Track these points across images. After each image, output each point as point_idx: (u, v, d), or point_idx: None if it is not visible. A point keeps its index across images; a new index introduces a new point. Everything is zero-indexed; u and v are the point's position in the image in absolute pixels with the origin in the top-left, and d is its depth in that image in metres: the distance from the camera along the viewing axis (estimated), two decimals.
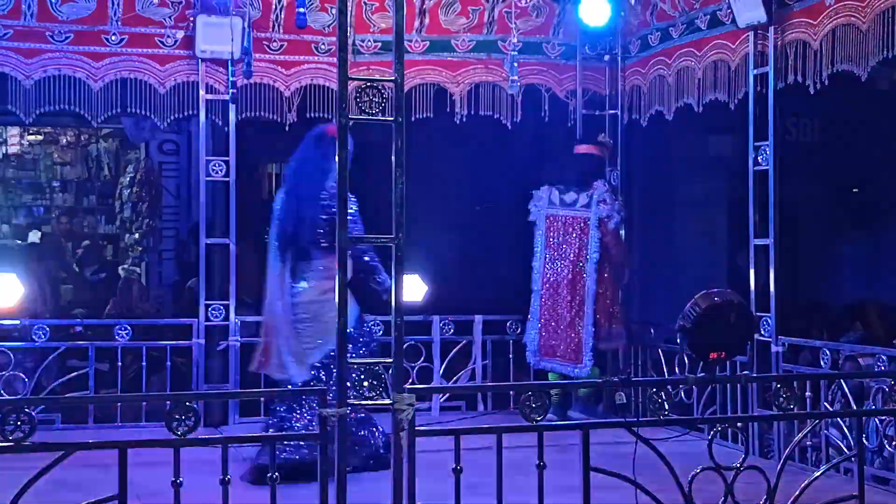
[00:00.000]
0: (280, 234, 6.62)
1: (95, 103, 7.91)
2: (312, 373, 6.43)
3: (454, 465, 4.35)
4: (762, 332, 6.97)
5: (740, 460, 4.67)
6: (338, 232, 4.27)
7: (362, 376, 4.28)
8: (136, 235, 13.02)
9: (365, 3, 8.26)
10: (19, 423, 3.88)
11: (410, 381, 8.02)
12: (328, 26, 8.19)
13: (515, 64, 7.34)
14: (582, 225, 8.13)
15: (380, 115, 4.28)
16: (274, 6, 8.13)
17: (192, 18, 7.90)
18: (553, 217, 8.24)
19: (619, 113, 8.82)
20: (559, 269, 8.16)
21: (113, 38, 7.92)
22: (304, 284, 6.53)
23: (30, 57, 7.78)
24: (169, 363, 8.01)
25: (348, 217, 4.58)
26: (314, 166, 6.56)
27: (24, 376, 7.75)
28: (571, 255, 8.12)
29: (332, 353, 5.68)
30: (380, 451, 6.38)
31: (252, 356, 6.86)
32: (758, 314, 6.89)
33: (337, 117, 4.24)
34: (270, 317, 6.61)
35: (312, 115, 8.28)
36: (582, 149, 8.36)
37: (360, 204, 6.20)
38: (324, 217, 6.41)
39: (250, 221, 8.80)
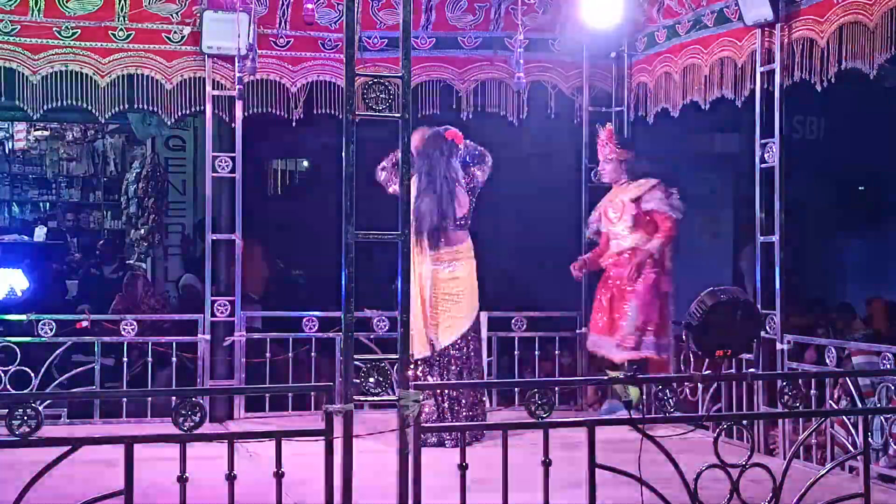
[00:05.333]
0: (419, 223, 7.22)
1: (102, 99, 7.91)
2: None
3: (459, 462, 4.36)
4: (768, 330, 6.96)
5: (746, 458, 4.67)
6: (344, 226, 4.26)
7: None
8: (142, 231, 13.04)
9: (372, 0, 8.26)
10: (26, 417, 3.89)
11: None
12: (335, 22, 8.19)
13: (521, 61, 7.33)
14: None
15: (386, 111, 4.28)
16: (280, 2, 8.13)
17: (198, 14, 7.90)
18: None
19: (625, 110, 8.81)
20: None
21: (120, 33, 7.92)
22: (452, 265, 7.34)
23: (37, 52, 7.79)
24: (174, 359, 8.01)
25: None
26: (442, 163, 7.29)
27: (30, 371, 7.75)
28: None
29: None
30: None
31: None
32: (763, 312, 6.88)
33: (344, 114, 4.24)
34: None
35: (319, 111, 8.30)
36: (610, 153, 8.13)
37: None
38: (453, 204, 7.27)
39: (256, 217, 8.79)
